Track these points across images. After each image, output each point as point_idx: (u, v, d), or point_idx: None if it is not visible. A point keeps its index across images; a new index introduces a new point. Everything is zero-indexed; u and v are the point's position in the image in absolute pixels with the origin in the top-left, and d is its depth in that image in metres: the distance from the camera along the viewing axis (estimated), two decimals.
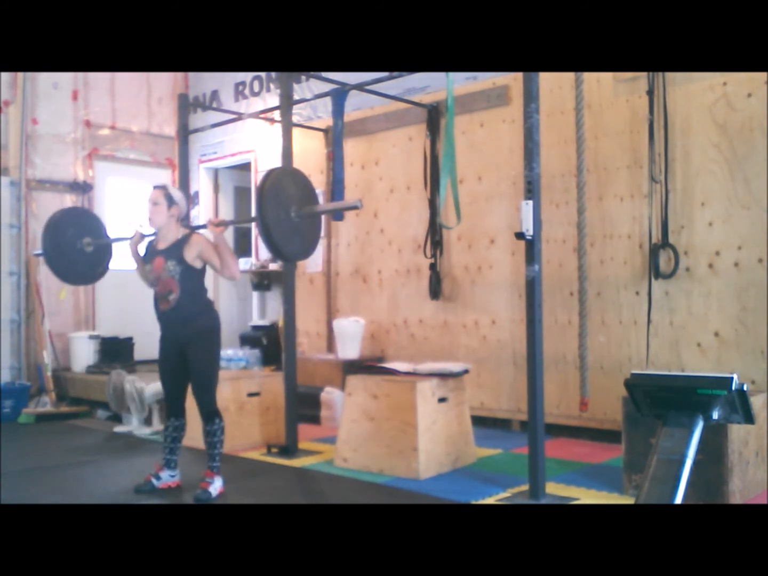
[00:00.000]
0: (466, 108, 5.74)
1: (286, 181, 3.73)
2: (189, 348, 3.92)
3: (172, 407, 4.09)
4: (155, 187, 4.03)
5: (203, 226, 4.16)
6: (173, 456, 4.11)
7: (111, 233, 4.74)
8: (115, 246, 4.63)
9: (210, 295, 4.20)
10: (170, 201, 3.97)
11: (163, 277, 3.93)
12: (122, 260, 4.91)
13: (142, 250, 4.10)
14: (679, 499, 2.30)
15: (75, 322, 7.43)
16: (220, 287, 7.95)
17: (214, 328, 4.01)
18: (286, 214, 3.64)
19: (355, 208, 3.73)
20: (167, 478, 4.09)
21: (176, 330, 3.95)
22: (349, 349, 6.21)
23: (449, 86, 4.49)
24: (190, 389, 4.02)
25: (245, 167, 8.00)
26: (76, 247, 4.44)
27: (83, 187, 7.54)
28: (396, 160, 6.34)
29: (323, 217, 6.85)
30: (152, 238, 4.09)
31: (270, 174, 3.65)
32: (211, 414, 3.94)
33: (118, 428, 5.91)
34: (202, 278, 4.00)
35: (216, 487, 3.91)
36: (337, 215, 4.98)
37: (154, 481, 4.06)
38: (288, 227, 3.65)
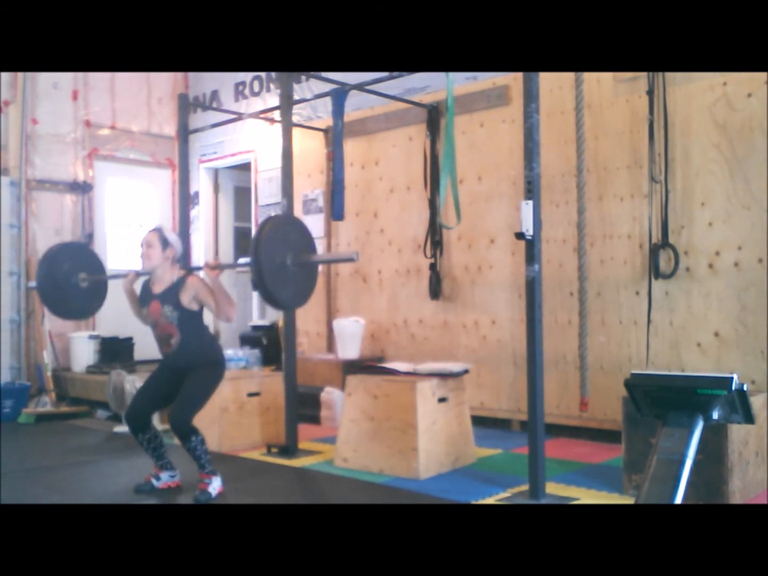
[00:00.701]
0: (466, 108, 5.74)
1: (283, 230, 3.64)
2: (191, 372, 3.91)
3: (137, 424, 3.96)
4: (150, 230, 4.00)
5: (199, 268, 4.13)
6: (163, 460, 4.08)
7: (107, 266, 4.63)
8: (110, 282, 4.55)
9: None
10: (165, 243, 3.93)
11: (161, 322, 3.91)
12: (122, 261, 4.91)
13: (137, 289, 4.07)
14: (679, 499, 2.30)
15: (75, 322, 7.39)
16: None
17: (218, 362, 4.03)
18: (282, 263, 3.55)
19: (351, 260, 3.65)
20: (167, 478, 4.09)
21: (181, 366, 3.95)
22: (349, 349, 6.21)
23: (449, 86, 4.49)
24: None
25: (245, 167, 8.00)
26: (71, 282, 4.37)
27: (83, 187, 7.54)
28: (396, 160, 6.34)
29: (323, 217, 6.89)
30: (147, 277, 4.06)
31: (267, 222, 3.57)
32: (187, 433, 3.81)
33: (118, 428, 5.90)
34: (200, 318, 3.98)
35: (215, 487, 3.90)
36: (337, 215, 4.98)
37: (154, 481, 4.06)
38: (284, 276, 3.56)
